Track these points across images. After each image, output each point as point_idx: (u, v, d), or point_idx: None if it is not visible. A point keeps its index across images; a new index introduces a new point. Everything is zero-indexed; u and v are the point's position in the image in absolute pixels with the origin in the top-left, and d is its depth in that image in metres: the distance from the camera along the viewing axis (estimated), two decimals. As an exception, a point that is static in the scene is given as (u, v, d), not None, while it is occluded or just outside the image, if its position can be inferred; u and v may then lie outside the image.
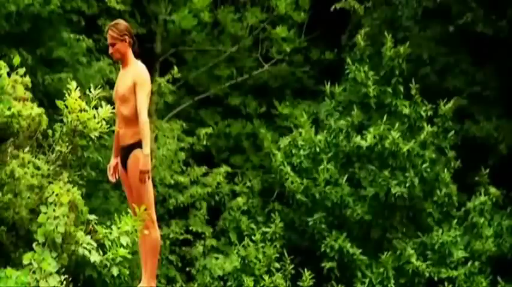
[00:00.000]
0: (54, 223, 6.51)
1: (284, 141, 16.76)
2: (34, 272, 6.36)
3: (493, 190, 16.52)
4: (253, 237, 15.74)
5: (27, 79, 7.29)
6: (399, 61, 16.56)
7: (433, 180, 16.17)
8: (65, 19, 16.97)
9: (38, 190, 6.80)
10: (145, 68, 7.56)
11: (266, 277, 15.16)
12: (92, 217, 6.97)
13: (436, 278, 15.50)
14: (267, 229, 15.91)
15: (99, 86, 7.46)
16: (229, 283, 15.57)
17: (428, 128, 16.15)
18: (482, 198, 16.29)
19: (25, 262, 6.40)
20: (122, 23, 7.62)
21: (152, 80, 18.63)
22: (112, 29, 7.53)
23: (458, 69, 19.20)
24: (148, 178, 7.41)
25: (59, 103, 7.25)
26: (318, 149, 16.29)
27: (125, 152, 7.51)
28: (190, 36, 19.85)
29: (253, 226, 16.81)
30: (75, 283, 6.76)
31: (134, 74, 7.46)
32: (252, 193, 17.98)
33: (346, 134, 16.30)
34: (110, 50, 7.52)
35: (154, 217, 7.51)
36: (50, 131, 7.26)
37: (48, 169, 7.03)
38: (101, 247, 6.88)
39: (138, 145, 7.40)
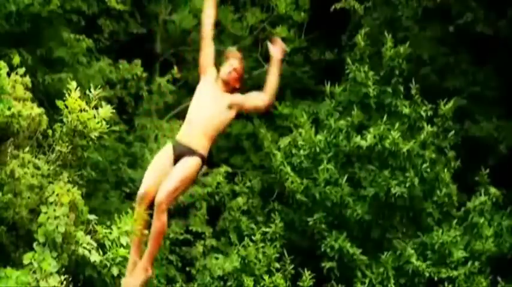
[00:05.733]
0: (54, 223, 6.52)
1: (284, 142, 16.75)
2: (34, 272, 6.37)
3: (493, 190, 16.49)
4: (253, 237, 15.73)
5: (27, 79, 7.30)
6: (399, 61, 16.55)
7: (433, 180, 16.16)
8: (65, 19, 16.96)
9: (38, 190, 6.81)
10: None
11: (266, 277, 15.16)
12: (92, 217, 6.99)
13: (436, 278, 15.49)
14: (267, 229, 15.90)
15: (99, 86, 7.48)
16: (229, 283, 15.56)
17: (428, 128, 16.14)
18: (482, 198, 16.27)
19: (25, 261, 6.41)
20: None
21: (152, 80, 18.72)
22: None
23: (458, 69, 19.19)
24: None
25: (59, 103, 7.26)
26: (318, 149, 16.28)
27: (181, 151, 7.76)
28: (190, 36, 19.84)
29: (253, 226, 16.79)
30: (75, 283, 6.77)
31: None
32: (252, 193, 17.95)
33: (346, 134, 16.29)
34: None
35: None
36: (50, 131, 7.27)
37: (48, 169, 7.04)
38: (101, 247, 6.89)
39: (195, 153, 7.76)
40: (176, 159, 8.00)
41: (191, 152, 8.01)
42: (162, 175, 7.89)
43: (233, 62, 8.50)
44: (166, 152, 8.14)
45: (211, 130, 8.18)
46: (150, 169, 8.06)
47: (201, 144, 8.08)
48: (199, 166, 8.02)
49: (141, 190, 7.89)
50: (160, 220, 7.59)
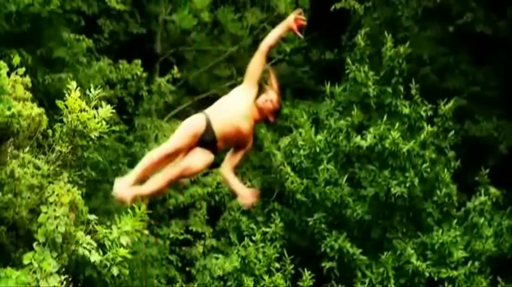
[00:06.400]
0: (54, 223, 6.52)
1: (284, 142, 16.74)
2: (34, 272, 6.37)
3: (493, 190, 16.49)
4: (253, 237, 15.72)
5: (27, 79, 7.31)
6: (399, 61, 16.54)
7: (433, 180, 16.15)
8: (65, 19, 16.97)
9: (38, 190, 6.81)
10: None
11: (266, 277, 15.15)
12: (92, 217, 6.99)
13: (436, 278, 15.49)
14: (267, 229, 15.90)
15: (99, 86, 7.48)
16: (229, 283, 15.56)
17: (428, 128, 16.13)
18: (482, 198, 16.27)
19: (25, 261, 6.41)
20: None
21: (152, 80, 18.72)
22: None
23: (458, 69, 19.20)
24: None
25: (59, 103, 7.26)
26: (318, 149, 16.27)
27: (208, 139, 7.66)
28: (190, 36, 19.84)
29: (253, 226, 16.78)
30: (75, 283, 6.76)
31: None
32: (252, 193, 17.92)
33: (346, 134, 16.29)
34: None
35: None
36: (50, 131, 7.27)
37: (48, 169, 7.04)
38: (101, 247, 6.89)
39: (216, 151, 7.75)
40: (202, 140, 7.91)
41: (215, 148, 7.95)
42: (189, 144, 7.85)
43: (271, 93, 8.31)
44: (200, 125, 7.96)
45: (228, 143, 8.11)
46: (184, 132, 7.87)
47: (221, 147, 8.04)
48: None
49: (171, 148, 7.71)
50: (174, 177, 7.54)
